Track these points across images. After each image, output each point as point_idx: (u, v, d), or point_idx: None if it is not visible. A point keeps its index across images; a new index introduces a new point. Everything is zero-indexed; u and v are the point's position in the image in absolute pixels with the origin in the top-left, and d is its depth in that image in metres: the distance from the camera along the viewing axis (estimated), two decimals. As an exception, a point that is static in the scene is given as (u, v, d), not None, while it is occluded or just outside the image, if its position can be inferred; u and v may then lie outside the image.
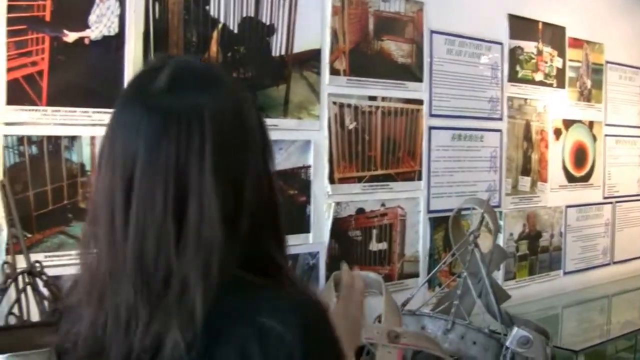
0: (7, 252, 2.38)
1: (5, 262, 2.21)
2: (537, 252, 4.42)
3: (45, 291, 2.23)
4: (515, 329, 2.83)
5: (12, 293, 2.26)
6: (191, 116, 1.11)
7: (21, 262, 2.33)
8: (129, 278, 1.11)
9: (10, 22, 2.39)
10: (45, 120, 2.47)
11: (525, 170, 4.29)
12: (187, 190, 1.09)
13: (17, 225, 2.30)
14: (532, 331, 2.89)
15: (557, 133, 4.53)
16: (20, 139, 2.42)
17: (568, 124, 4.61)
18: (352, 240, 3.36)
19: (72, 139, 2.53)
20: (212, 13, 2.85)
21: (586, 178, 4.78)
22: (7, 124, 2.40)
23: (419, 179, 3.65)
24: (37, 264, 2.25)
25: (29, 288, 2.20)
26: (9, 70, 2.40)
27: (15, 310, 2.13)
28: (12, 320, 2.12)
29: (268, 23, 3.01)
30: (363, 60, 3.37)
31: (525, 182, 4.29)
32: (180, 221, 1.10)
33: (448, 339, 2.92)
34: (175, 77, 1.15)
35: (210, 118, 1.11)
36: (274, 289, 1.17)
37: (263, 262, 1.20)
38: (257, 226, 1.16)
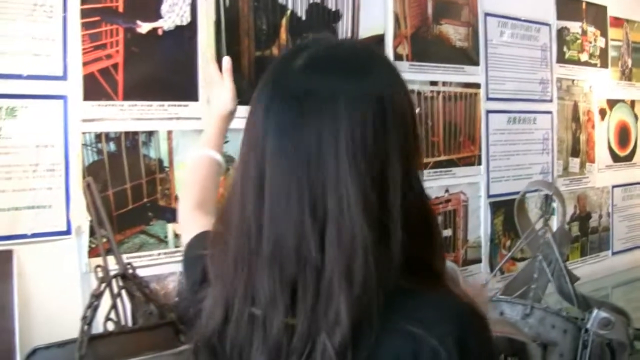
0: (90, 254, 2.21)
1: (98, 266, 2.01)
2: (588, 233, 4.24)
3: (138, 294, 2.03)
4: (596, 311, 2.69)
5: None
6: (324, 101, 0.98)
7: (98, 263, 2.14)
8: (267, 273, 1.00)
9: (84, 13, 2.22)
10: (122, 116, 2.29)
11: (575, 152, 4.12)
12: (321, 180, 0.96)
13: (107, 225, 2.12)
14: (612, 312, 2.73)
15: (602, 113, 4.35)
16: (98, 136, 2.25)
17: (612, 103, 4.42)
18: (419, 228, 3.16)
19: (149, 134, 2.35)
20: (280, 0, 2.64)
21: (630, 157, 4.60)
22: (85, 120, 2.23)
23: (479, 163, 3.48)
24: (129, 266, 2.05)
25: (123, 292, 2.00)
26: (85, 64, 2.23)
27: (112, 315, 1.94)
28: (110, 327, 1.92)
29: (334, 9, 2.82)
30: (424, 45, 3.20)
31: (574, 163, 4.11)
32: (318, 215, 0.97)
33: (527, 323, 2.76)
34: (313, 60, 1.04)
35: (346, 104, 0.97)
36: (431, 295, 1.03)
37: (419, 269, 1.05)
38: (411, 229, 1.01)
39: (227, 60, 2.16)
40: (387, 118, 1.00)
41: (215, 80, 2.18)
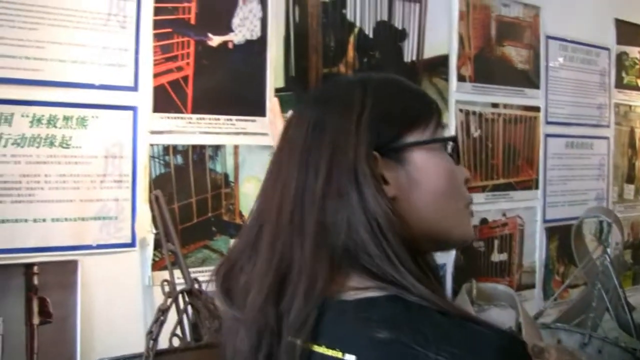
0: (153, 267, 2.15)
1: (165, 280, 1.95)
2: (640, 260, 4.12)
3: (204, 310, 1.97)
4: (656, 344, 2.59)
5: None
6: (349, 97, 1.10)
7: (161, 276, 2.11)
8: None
9: (157, 25, 2.18)
10: (191, 129, 2.24)
11: (630, 178, 4.02)
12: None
13: (175, 239, 2.06)
14: (672, 345, 2.64)
15: (658, 140, 4.22)
16: (166, 149, 2.20)
17: (667, 130, 4.30)
18: (476, 252, 3.11)
19: (216, 148, 2.29)
20: (348, 17, 2.61)
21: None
22: (153, 132, 2.18)
23: (536, 187, 3.38)
24: (196, 282, 1.99)
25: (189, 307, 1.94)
26: (155, 76, 2.18)
27: (178, 331, 1.88)
28: (176, 342, 1.86)
29: (400, 27, 2.76)
30: (486, 66, 3.13)
31: (629, 189, 4.02)
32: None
33: (585, 353, 2.68)
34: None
35: (371, 93, 1.09)
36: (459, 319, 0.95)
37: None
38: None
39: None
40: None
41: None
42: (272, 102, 2.08)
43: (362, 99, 1.09)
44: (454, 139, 1.18)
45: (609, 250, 3.00)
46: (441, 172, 1.11)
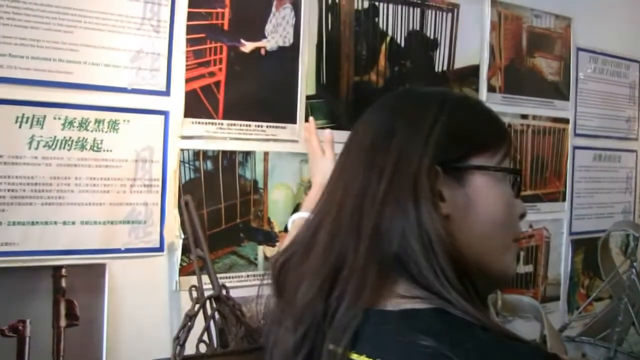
0: (181, 272, 2.14)
1: (193, 286, 1.94)
2: (663, 277, 4.05)
3: (231, 316, 1.95)
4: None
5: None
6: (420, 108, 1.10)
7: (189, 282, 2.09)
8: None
9: (190, 30, 2.16)
10: (221, 134, 2.22)
11: (657, 192, 3.95)
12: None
13: (204, 245, 2.04)
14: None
15: (685, 154, 4.15)
16: (196, 154, 2.18)
17: (695, 144, 4.23)
18: (502, 263, 3.04)
19: (246, 154, 2.27)
20: (380, 25, 2.58)
21: None
22: (184, 137, 2.16)
23: (563, 199, 3.33)
24: (224, 288, 1.98)
25: (216, 314, 1.93)
26: (188, 81, 2.17)
27: (205, 337, 1.86)
28: (203, 348, 1.84)
29: (432, 37, 2.73)
30: (516, 77, 3.09)
31: (655, 204, 3.94)
32: None
33: (610, 367, 2.64)
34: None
35: (448, 109, 1.09)
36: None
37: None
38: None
39: (328, 132, 2.16)
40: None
41: (317, 154, 2.12)
42: (309, 122, 2.12)
43: (436, 113, 1.09)
44: (518, 172, 1.17)
45: (635, 264, 2.94)
46: (500, 201, 1.10)
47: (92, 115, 2.02)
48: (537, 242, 3.25)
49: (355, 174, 1.07)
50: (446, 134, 1.07)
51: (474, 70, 2.93)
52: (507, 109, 3.06)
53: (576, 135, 3.41)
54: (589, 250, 3.40)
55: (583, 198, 3.48)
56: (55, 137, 1.97)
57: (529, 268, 3.22)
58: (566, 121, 3.35)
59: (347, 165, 1.11)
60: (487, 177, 1.09)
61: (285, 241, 1.91)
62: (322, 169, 2.01)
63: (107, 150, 2.04)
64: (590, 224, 3.49)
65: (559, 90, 3.31)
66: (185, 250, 2.15)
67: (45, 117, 1.95)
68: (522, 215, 1.16)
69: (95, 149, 2.03)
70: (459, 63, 2.87)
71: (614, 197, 3.67)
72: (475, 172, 1.08)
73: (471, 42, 2.92)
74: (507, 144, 1.15)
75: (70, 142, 1.99)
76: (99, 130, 2.03)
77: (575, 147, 3.41)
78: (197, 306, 1.91)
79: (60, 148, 1.98)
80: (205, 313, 1.93)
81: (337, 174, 1.13)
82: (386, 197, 1.03)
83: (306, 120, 2.36)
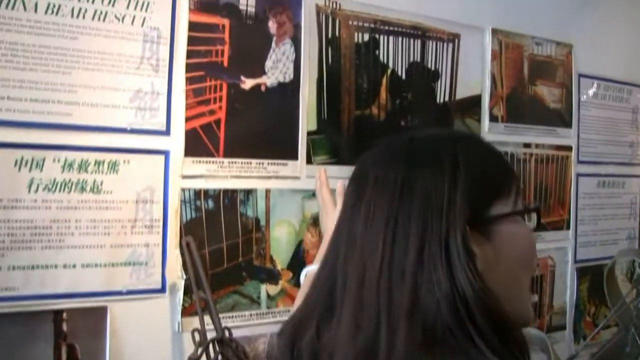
0: (183, 313, 2.11)
1: (196, 329, 1.91)
2: (669, 302, 4.02)
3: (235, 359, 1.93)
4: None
5: None
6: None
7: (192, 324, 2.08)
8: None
9: (189, 68, 2.15)
10: (222, 173, 2.21)
11: (662, 217, 3.93)
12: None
13: (206, 287, 2.02)
14: None
15: (690, 177, 4.14)
16: (197, 193, 2.17)
17: (700, 167, 4.21)
18: (507, 294, 3.02)
19: (248, 192, 2.25)
20: (381, 58, 2.57)
21: None
22: (185, 177, 2.15)
23: (567, 227, 3.32)
24: (227, 330, 1.95)
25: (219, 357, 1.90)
26: (188, 119, 2.15)
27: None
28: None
29: (433, 68, 2.72)
30: (519, 106, 3.08)
31: (661, 229, 3.92)
32: None
33: (618, 398, 2.62)
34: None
35: (462, 158, 1.05)
36: None
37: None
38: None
39: (340, 183, 2.00)
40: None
41: (328, 205, 2.09)
42: (319, 171, 1.96)
43: (452, 164, 1.04)
44: (537, 210, 1.15)
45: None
46: (525, 243, 1.09)
47: (91, 156, 2.00)
48: (542, 272, 3.23)
49: (373, 242, 1.01)
50: (468, 187, 1.03)
51: (475, 100, 2.92)
52: (510, 138, 3.05)
53: (579, 162, 3.40)
54: (595, 277, 3.38)
55: (587, 225, 3.46)
56: (54, 179, 1.95)
57: (534, 298, 3.19)
58: (569, 148, 3.33)
59: (362, 229, 1.04)
60: (508, 223, 1.07)
61: (297, 299, 1.88)
62: (334, 222, 1.97)
63: (108, 192, 2.03)
64: (595, 251, 3.47)
65: (561, 118, 3.30)
66: (188, 291, 2.13)
67: (44, 159, 1.93)
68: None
69: (95, 190, 2.01)
70: (461, 93, 2.86)
71: (618, 223, 3.65)
72: (497, 221, 1.06)
73: (472, 71, 2.91)
74: (515, 181, 1.13)
75: (70, 185, 1.97)
76: (99, 172, 2.01)
77: (578, 174, 3.40)
78: (199, 349, 1.89)
79: (60, 191, 1.96)
80: (208, 356, 1.91)
81: (350, 238, 1.07)
82: (418, 268, 0.98)
83: (308, 157, 2.34)
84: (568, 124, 3.33)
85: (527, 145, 3.13)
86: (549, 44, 3.23)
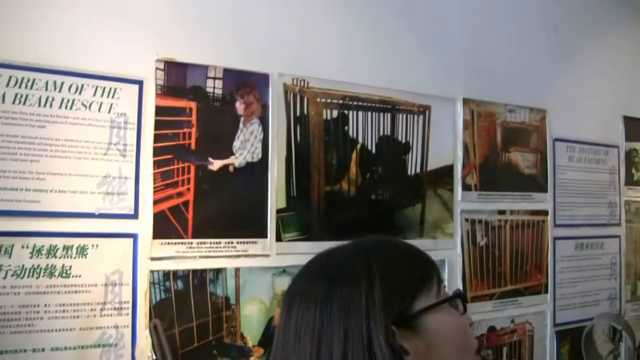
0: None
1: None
2: (656, 360, 4.05)
3: None
4: None
5: None
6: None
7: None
8: None
9: (156, 152, 2.21)
10: (191, 253, 2.26)
11: (643, 275, 3.97)
12: None
13: (173, 372, 2.06)
14: None
15: (671, 235, 4.18)
16: (167, 274, 2.22)
17: (681, 225, 4.26)
18: (484, 361, 3.07)
19: (217, 271, 2.30)
20: (350, 133, 2.62)
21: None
22: (154, 259, 2.20)
23: (545, 291, 3.36)
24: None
25: None
26: (156, 202, 2.21)
27: None
28: None
29: (404, 141, 2.78)
30: (492, 174, 3.13)
31: (643, 287, 3.96)
32: None
33: None
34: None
35: (376, 267, 1.12)
36: None
37: None
38: None
39: None
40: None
41: None
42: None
43: (367, 274, 1.11)
44: (460, 295, 1.21)
45: (619, 357, 2.96)
46: (454, 329, 1.15)
47: (60, 242, 2.06)
48: (520, 337, 3.26)
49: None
50: (385, 293, 1.09)
51: (448, 170, 2.97)
52: (484, 206, 3.10)
53: (556, 225, 3.44)
54: (575, 340, 3.41)
55: (566, 288, 3.49)
56: (23, 265, 2.00)
57: (509, 365, 3.22)
58: (545, 213, 3.38)
59: (293, 352, 1.11)
60: (434, 314, 1.13)
61: None
62: None
63: (76, 276, 2.08)
64: (575, 313, 3.50)
65: (536, 183, 3.35)
66: (158, 371, 2.16)
67: (13, 246, 1.99)
68: (471, 325, 1.19)
69: (64, 275, 2.06)
70: (433, 164, 2.91)
71: (598, 284, 3.68)
72: (423, 315, 1.11)
73: (444, 142, 2.96)
74: (436, 272, 1.19)
75: (38, 270, 2.03)
76: (68, 257, 2.07)
77: (555, 238, 3.44)
78: None
79: (28, 276, 2.01)
80: None
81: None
82: None
83: (278, 235, 2.40)
84: (543, 189, 3.38)
85: (501, 212, 3.18)
86: (522, 110, 3.29)
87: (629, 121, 3.90)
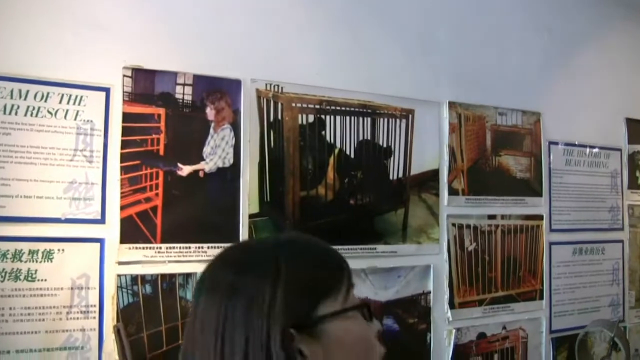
0: (119, 398, 2.18)
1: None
2: (663, 367, 4.00)
3: None
4: None
5: None
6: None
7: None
8: None
9: (124, 157, 2.25)
10: (160, 258, 2.30)
11: (649, 281, 3.92)
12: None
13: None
14: None
15: (679, 240, 4.13)
16: (134, 279, 2.25)
17: (689, 229, 4.20)
18: (473, 367, 3.06)
19: (187, 276, 2.33)
20: (328, 138, 2.64)
21: None
22: (121, 263, 2.24)
23: (541, 298, 3.34)
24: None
25: None
26: (123, 207, 2.25)
27: None
28: None
29: (385, 145, 2.79)
30: (482, 178, 3.13)
31: (649, 293, 3.91)
32: None
33: None
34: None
35: (284, 265, 1.11)
36: None
37: None
38: None
39: None
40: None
41: None
42: None
43: (275, 271, 1.10)
44: (365, 306, 1.19)
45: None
46: (356, 338, 1.13)
47: (25, 246, 2.10)
48: (512, 344, 3.24)
49: (208, 351, 1.08)
50: (289, 295, 1.08)
51: (433, 175, 2.98)
52: (472, 210, 3.10)
53: (552, 230, 3.42)
54: (574, 346, 3.37)
55: (563, 294, 3.47)
56: (-12, 270, 2.05)
57: (503, 372, 3.21)
58: (540, 217, 3.37)
59: (199, 340, 1.11)
60: (338, 321, 1.11)
61: None
62: None
63: (42, 280, 2.12)
64: (573, 320, 3.48)
65: (530, 187, 3.34)
66: (126, 375, 2.20)
67: (-22, 251, 2.03)
68: (378, 332, 1.19)
69: (29, 279, 2.11)
70: (417, 169, 2.92)
71: (599, 290, 3.65)
72: (325, 320, 1.10)
73: (429, 146, 2.97)
74: (346, 277, 1.17)
75: (3, 274, 2.08)
76: (33, 261, 2.11)
77: (551, 243, 3.42)
78: None
79: (-7, 280, 2.06)
80: None
81: (192, 346, 1.13)
82: None
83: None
84: (538, 193, 3.37)
85: (492, 217, 3.17)
86: (514, 113, 3.28)
87: (631, 123, 3.86)
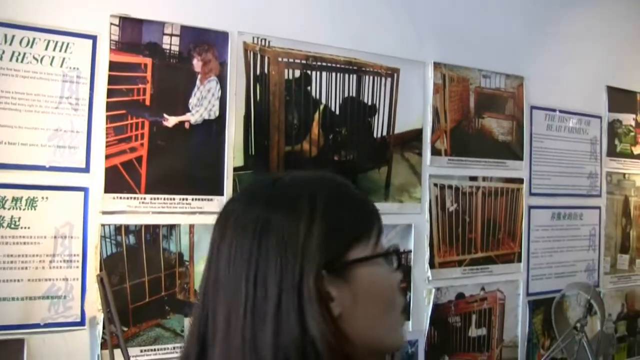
0: (103, 346, 2.19)
1: (102, 364, 2.00)
2: (636, 332, 4.08)
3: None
4: None
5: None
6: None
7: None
8: None
9: (110, 107, 2.24)
10: (144, 209, 2.29)
11: (624, 248, 4.00)
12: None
13: (116, 322, 2.12)
14: None
15: (655, 208, 4.19)
16: (118, 229, 2.25)
17: (666, 197, 4.27)
18: (451, 327, 3.11)
19: (171, 227, 2.33)
20: (313, 94, 2.64)
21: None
22: (105, 212, 2.24)
23: (519, 260, 3.39)
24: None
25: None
26: (108, 157, 2.25)
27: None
28: None
29: (370, 103, 2.79)
30: (464, 140, 3.15)
31: (624, 260, 3.99)
32: None
33: None
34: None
35: (320, 205, 1.08)
36: None
37: None
38: None
39: None
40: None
41: None
42: None
43: (310, 208, 1.08)
44: (396, 253, 1.18)
45: (585, 328, 2.99)
46: (383, 285, 1.13)
47: (9, 193, 2.09)
48: (490, 305, 3.28)
49: (237, 286, 1.05)
50: (324, 234, 1.06)
51: (416, 135, 2.99)
52: (454, 171, 3.12)
53: (532, 194, 3.46)
54: (549, 310, 3.41)
55: (541, 258, 3.51)
56: (-29, 216, 2.04)
57: (482, 331, 3.25)
58: (520, 181, 3.40)
59: (226, 273, 1.07)
60: (368, 266, 1.10)
61: None
62: None
63: (25, 228, 2.12)
64: (550, 283, 3.53)
65: (511, 151, 3.36)
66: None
67: (-39, 196, 2.03)
68: (401, 282, 1.18)
69: (12, 226, 2.10)
70: (400, 128, 2.93)
71: (575, 255, 3.70)
72: (355, 265, 1.09)
73: (413, 106, 2.98)
74: (377, 224, 1.16)
75: (-14, 221, 2.06)
76: (17, 208, 2.10)
77: (530, 207, 3.46)
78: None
79: (-24, 227, 2.05)
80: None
81: (215, 285, 1.10)
82: (276, 314, 1.02)
83: (234, 193, 2.42)
84: (519, 157, 3.40)
85: (473, 179, 3.19)
86: (498, 76, 3.30)
87: (612, 91, 3.90)
